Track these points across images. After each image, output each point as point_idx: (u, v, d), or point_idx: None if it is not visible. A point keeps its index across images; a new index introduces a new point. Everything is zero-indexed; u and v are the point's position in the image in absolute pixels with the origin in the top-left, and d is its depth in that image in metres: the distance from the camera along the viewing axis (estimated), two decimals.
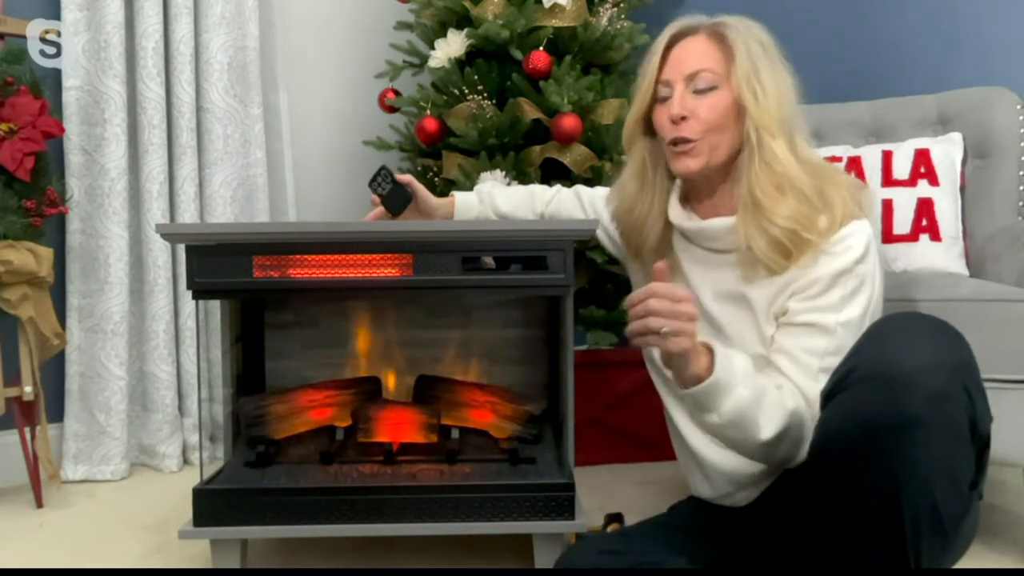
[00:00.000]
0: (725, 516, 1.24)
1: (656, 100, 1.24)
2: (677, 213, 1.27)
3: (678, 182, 1.29)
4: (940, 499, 0.92)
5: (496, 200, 1.55)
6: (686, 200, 1.28)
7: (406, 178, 1.53)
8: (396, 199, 1.51)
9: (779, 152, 1.14)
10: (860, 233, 1.14)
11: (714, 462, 1.22)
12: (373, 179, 1.51)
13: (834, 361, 1.05)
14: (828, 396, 1.01)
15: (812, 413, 1.09)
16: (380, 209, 1.54)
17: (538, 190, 1.58)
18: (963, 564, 1.06)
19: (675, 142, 1.20)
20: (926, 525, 0.92)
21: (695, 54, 1.20)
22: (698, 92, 1.18)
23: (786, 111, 1.17)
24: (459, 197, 1.56)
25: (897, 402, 0.90)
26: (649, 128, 1.28)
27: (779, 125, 1.15)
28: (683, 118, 1.18)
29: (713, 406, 1.03)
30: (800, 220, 1.13)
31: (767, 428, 1.06)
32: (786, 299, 1.17)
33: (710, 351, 1.03)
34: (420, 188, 1.53)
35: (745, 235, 1.15)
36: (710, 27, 1.21)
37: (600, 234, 1.50)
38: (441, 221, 1.55)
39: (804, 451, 1.09)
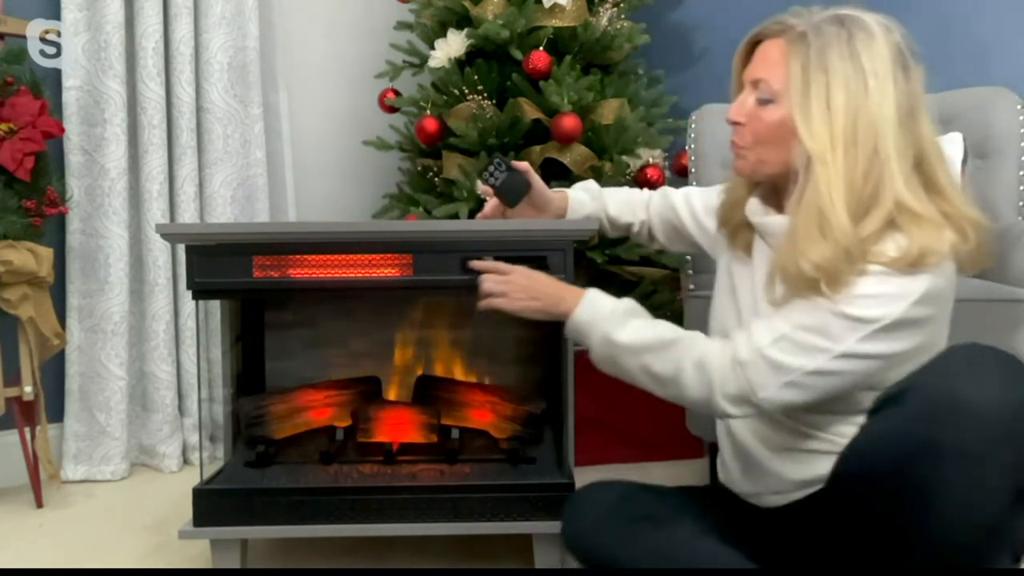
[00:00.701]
0: (744, 509, 1.23)
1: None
2: (753, 206, 1.20)
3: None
4: (970, 539, 0.90)
5: (606, 199, 1.49)
6: (771, 196, 1.21)
7: (523, 165, 1.43)
8: (513, 189, 1.41)
9: (825, 186, 1.02)
10: (896, 294, 1.00)
11: (760, 460, 1.18)
12: (484, 169, 1.42)
13: (810, 339, 1.01)
14: (878, 407, 0.99)
15: (744, 356, 1.05)
16: (495, 202, 1.45)
17: (634, 193, 1.51)
18: None
19: (733, 141, 1.17)
20: (948, 555, 0.92)
21: (764, 61, 1.11)
22: (760, 101, 1.11)
23: (863, 134, 1.02)
24: (572, 194, 1.48)
25: (956, 428, 0.88)
26: None
27: (839, 151, 1.02)
28: (736, 123, 1.14)
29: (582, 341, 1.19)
30: (827, 270, 1.01)
31: (622, 334, 1.13)
32: None
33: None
34: (536, 177, 1.44)
35: (782, 254, 1.07)
36: (800, 32, 1.07)
37: (693, 230, 1.43)
38: (447, 221, 1.54)
39: (686, 382, 1.10)
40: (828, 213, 1.02)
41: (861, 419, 1.07)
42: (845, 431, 1.09)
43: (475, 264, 1.35)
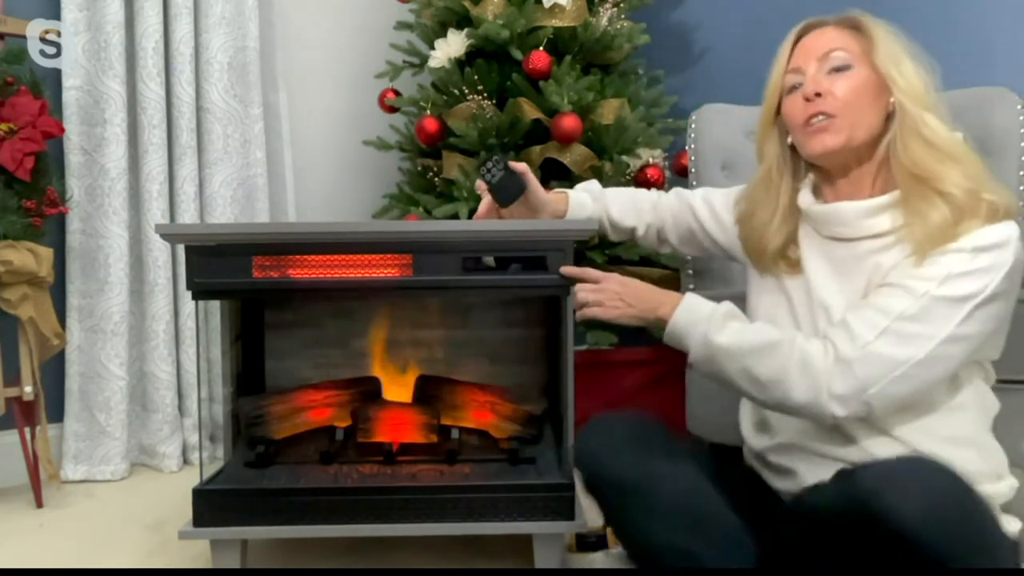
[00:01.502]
0: (758, 484, 1.23)
1: (785, 92, 1.19)
2: (807, 198, 1.20)
3: (810, 177, 1.23)
4: None
5: (608, 200, 1.47)
6: (817, 193, 1.23)
7: (521, 166, 1.42)
8: (507, 189, 1.40)
9: (936, 127, 1.09)
10: (1000, 230, 1.04)
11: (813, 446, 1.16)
12: (483, 164, 1.41)
13: (913, 328, 1.02)
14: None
15: (849, 354, 1.04)
16: (489, 201, 1.44)
17: (640, 194, 1.49)
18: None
19: (809, 121, 1.14)
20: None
21: (827, 38, 1.16)
22: (834, 71, 1.13)
23: (933, 93, 1.12)
24: (573, 196, 1.47)
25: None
26: (782, 130, 1.22)
27: (932, 102, 1.10)
28: (818, 95, 1.13)
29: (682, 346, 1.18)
30: (976, 179, 1.06)
31: (721, 336, 1.13)
32: None
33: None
34: (533, 179, 1.43)
35: (917, 207, 1.07)
36: (839, 19, 1.18)
37: (716, 232, 1.40)
38: (446, 221, 1.54)
39: (790, 383, 1.08)
40: (943, 144, 1.08)
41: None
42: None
43: (566, 270, 1.37)
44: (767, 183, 1.24)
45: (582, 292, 1.28)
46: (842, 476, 1.00)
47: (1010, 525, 1.09)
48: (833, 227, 1.16)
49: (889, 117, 1.13)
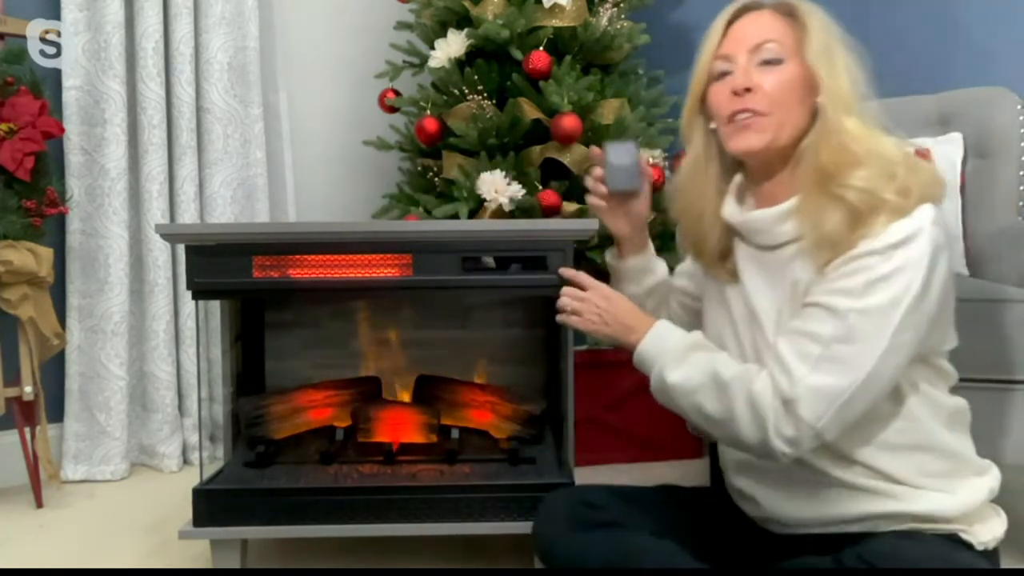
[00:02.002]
0: (729, 516, 1.22)
1: (712, 78, 1.13)
2: (731, 209, 1.16)
3: (736, 179, 1.19)
4: None
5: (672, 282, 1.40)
6: (742, 198, 1.18)
7: (650, 171, 1.33)
8: (623, 175, 1.30)
9: (855, 131, 1.04)
10: (909, 223, 0.99)
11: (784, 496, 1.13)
12: (613, 143, 1.31)
13: (847, 351, 0.97)
14: None
15: (789, 394, 0.99)
16: (599, 185, 1.32)
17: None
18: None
19: (734, 117, 1.09)
20: None
21: (761, 26, 1.10)
22: (765, 63, 1.08)
23: (860, 93, 1.07)
24: (654, 255, 1.39)
25: None
26: (708, 119, 1.17)
27: (855, 105, 1.06)
28: (747, 90, 1.08)
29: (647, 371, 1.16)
30: (877, 184, 1.00)
31: (675, 374, 1.11)
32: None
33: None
34: (647, 194, 1.33)
35: (812, 212, 1.03)
36: (775, 4, 1.12)
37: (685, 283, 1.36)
38: (447, 221, 1.53)
39: (737, 422, 1.04)
40: (859, 149, 1.03)
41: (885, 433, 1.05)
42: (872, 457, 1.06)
43: (564, 271, 1.36)
44: (695, 173, 1.20)
45: (566, 296, 1.27)
46: None
47: (995, 529, 1.07)
48: (753, 236, 1.13)
49: (814, 117, 1.08)
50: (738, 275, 1.16)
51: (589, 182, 1.34)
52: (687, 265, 1.35)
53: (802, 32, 1.08)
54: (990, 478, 1.10)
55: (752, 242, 1.14)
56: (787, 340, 1.03)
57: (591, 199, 1.34)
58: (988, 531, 1.07)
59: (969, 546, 1.05)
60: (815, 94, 1.07)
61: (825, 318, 0.99)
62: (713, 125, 1.15)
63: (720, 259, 1.19)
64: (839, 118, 1.04)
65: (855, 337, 0.98)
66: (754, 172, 1.15)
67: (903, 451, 1.05)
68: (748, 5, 1.13)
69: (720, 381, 1.06)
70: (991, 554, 1.07)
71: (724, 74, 1.12)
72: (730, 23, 1.13)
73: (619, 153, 1.29)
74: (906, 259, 0.97)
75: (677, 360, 1.12)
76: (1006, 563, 1.47)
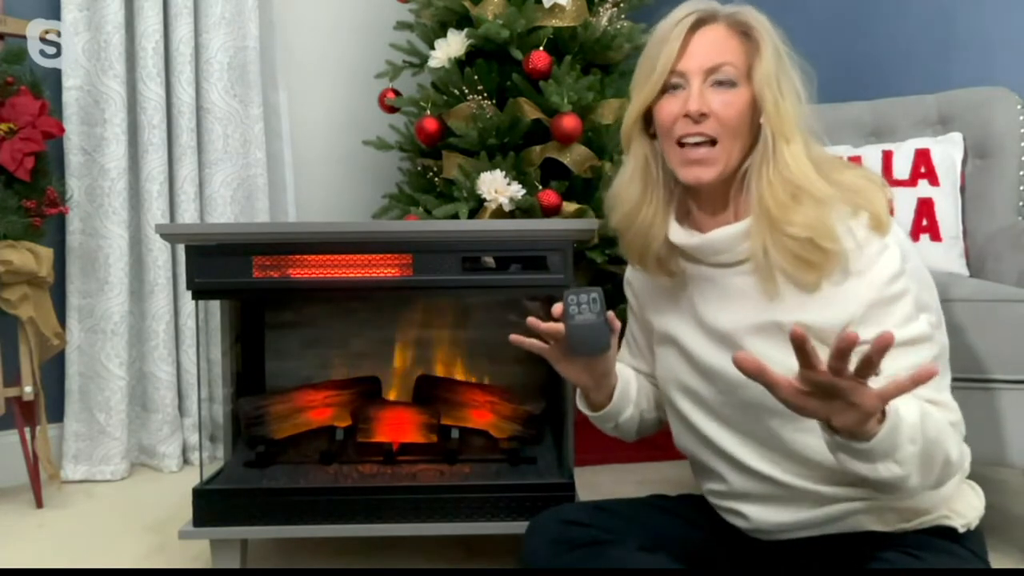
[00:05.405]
0: (722, 529, 1.20)
1: (664, 90, 1.09)
2: (677, 232, 1.13)
3: (672, 204, 1.16)
4: None
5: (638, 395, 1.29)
6: (685, 216, 1.15)
7: (616, 322, 1.09)
8: (593, 336, 1.07)
9: (792, 160, 1.04)
10: (892, 241, 1.03)
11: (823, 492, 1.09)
12: (572, 294, 1.07)
13: (944, 361, 1.06)
14: None
15: (956, 418, 1.03)
16: (556, 329, 1.09)
17: (625, 382, 1.26)
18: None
19: (683, 139, 1.07)
20: None
21: (717, 45, 1.07)
22: (718, 84, 1.06)
23: (802, 111, 1.06)
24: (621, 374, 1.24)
25: None
26: (648, 125, 1.13)
27: (796, 129, 1.05)
28: (703, 115, 1.05)
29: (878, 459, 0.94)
30: (815, 227, 1.01)
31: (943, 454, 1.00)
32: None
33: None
34: (613, 344, 1.13)
35: (762, 244, 1.04)
36: (730, 17, 1.09)
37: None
38: (446, 221, 1.53)
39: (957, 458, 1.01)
40: (797, 180, 1.03)
41: None
42: None
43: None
44: (645, 177, 1.15)
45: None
46: None
47: (975, 504, 1.10)
48: (710, 256, 1.12)
49: (757, 136, 1.07)
50: (681, 277, 1.16)
51: (541, 327, 1.11)
52: (625, 344, 1.31)
53: (755, 54, 1.07)
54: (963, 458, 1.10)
55: (707, 261, 1.13)
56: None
57: (541, 349, 1.14)
58: (970, 508, 1.08)
59: (954, 531, 1.06)
60: (759, 116, 1.07)
61: (909, 354, 1.00)
62: (654, 133, 1.13)
63: (662, 263, 1.17)
64: (780, 146, 1.05)
65: (926, 346, 1.03)
66: (701, 196, 1.13)
67: None
68: (704, 17, 1.09)
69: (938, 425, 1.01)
70: (976, 535, 1.08)
71: (675, 87, 1.09)
72: (688, 31, 1.09)
73: (583, 307, 1.07)
74: (902, 268, 1.03)
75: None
76: (1005, 563, 1.48)
